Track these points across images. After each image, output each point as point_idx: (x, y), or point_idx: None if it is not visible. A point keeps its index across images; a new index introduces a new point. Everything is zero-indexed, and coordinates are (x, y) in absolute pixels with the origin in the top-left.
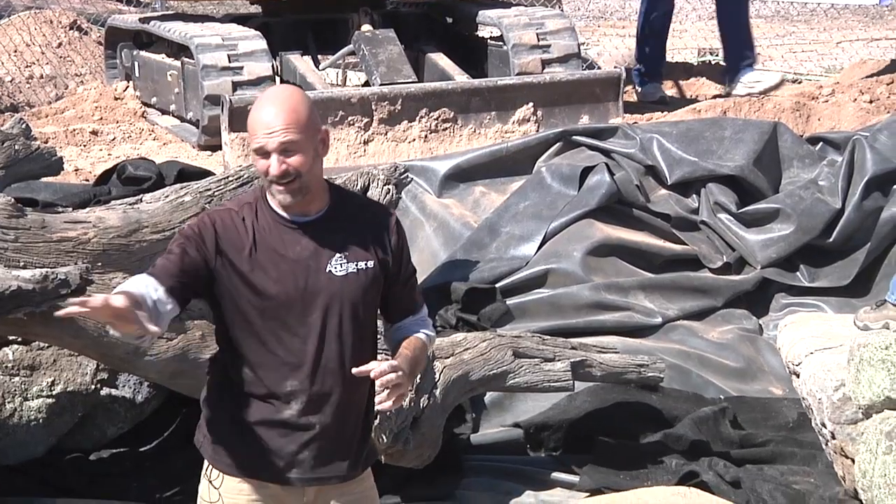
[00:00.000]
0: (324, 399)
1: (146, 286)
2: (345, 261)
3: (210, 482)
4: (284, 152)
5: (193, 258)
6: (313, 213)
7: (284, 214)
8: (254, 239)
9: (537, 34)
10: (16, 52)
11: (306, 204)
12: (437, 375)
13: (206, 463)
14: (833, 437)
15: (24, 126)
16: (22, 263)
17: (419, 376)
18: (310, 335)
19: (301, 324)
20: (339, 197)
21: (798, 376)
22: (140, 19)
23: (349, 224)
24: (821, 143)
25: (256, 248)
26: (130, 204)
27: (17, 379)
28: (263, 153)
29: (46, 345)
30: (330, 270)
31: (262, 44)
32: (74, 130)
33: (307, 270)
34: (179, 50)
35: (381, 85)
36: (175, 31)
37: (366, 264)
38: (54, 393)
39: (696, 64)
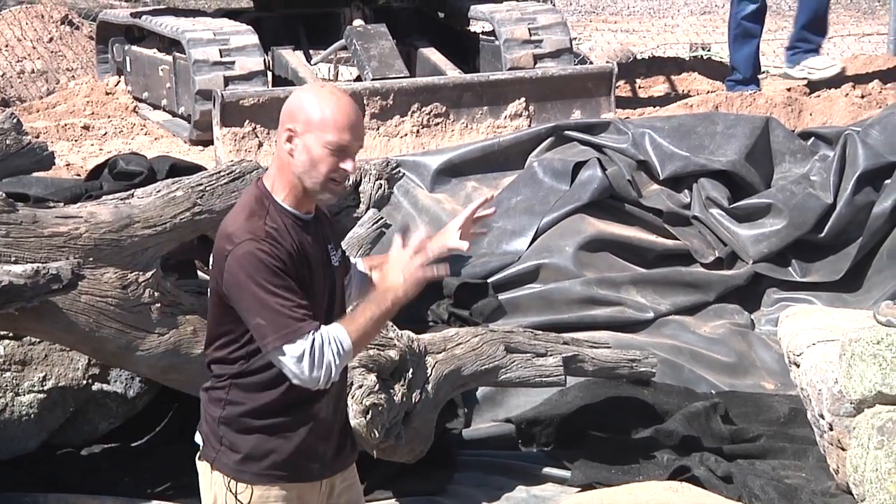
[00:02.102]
0: (336, 390)
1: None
2: (334, 251)
3: (236, 496)
4: (355, 157)
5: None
6: (314, 210)
7: (296, 213)
8: (293, 241)
9: (529, 29)
10: (7, 46)
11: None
12: (428, 370)
13: (223, 478)
14: (830, 429)
15: (15, 121)
16: (13, 258)
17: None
18: None
19: (326, 317)
20: None
21: (798, 366)
22: (131, 14)
23: (325, 218)
24: (812, 138)
25: (298, 249)
26: (122, 199)
27: (8, 374)
28: (341, 152)
29: (38, 340)
30: (331, 261)
31: (253, 38)
32: (66, 125)
33: (325, 264)
34: (171, 45)
35: (372, 80)
36: (166, 25)
37: (343, 253)
38: (46, 388)
39: (687, 59)
